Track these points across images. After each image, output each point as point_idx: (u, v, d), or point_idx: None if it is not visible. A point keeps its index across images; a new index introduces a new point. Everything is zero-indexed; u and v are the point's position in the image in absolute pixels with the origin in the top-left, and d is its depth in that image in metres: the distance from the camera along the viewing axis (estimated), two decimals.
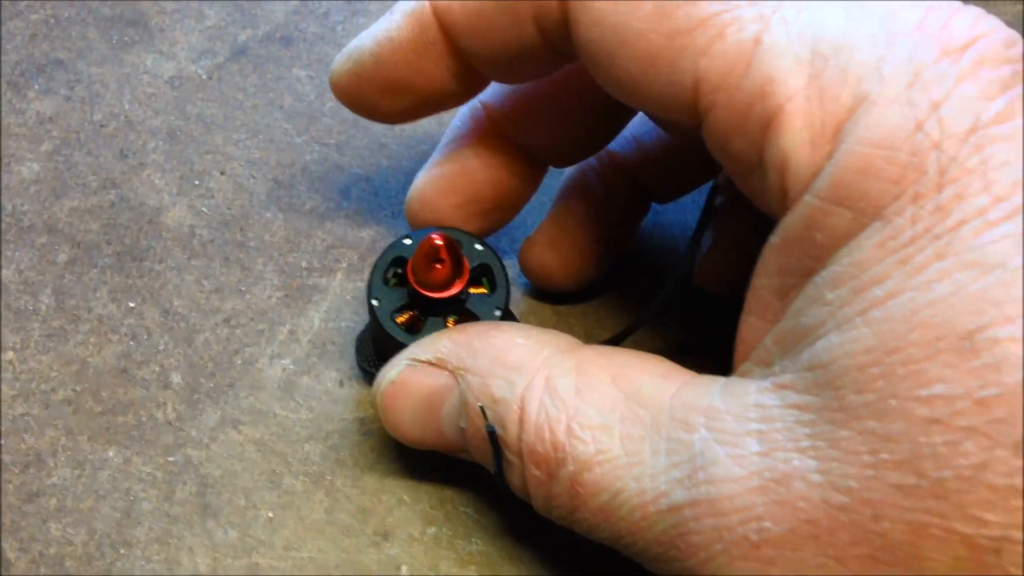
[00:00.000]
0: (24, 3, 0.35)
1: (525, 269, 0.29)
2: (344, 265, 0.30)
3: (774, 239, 0.20)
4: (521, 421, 0.21)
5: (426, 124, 0.33)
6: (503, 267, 0.25)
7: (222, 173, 0.32)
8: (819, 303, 0.18)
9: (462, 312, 0.25)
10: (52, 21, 0.35)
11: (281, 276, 0.29)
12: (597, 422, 0.20)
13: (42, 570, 0.24)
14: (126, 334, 0.28)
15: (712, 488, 0.18)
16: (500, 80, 0.26)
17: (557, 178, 0.29)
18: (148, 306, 0.29)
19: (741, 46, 0.19)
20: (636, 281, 0.30)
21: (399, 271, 0.25)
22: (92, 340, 0.28)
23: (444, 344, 0.23)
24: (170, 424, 0.27)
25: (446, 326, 0.25)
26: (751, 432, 0.19)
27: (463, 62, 0.24)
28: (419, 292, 0.24)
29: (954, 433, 0.16)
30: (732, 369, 0.21)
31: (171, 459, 0.26)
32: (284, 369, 0.28)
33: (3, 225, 0.30)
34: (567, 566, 0.25)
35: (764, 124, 0.19)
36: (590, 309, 0.30)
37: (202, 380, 0.27)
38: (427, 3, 0.23)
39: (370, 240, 0.30)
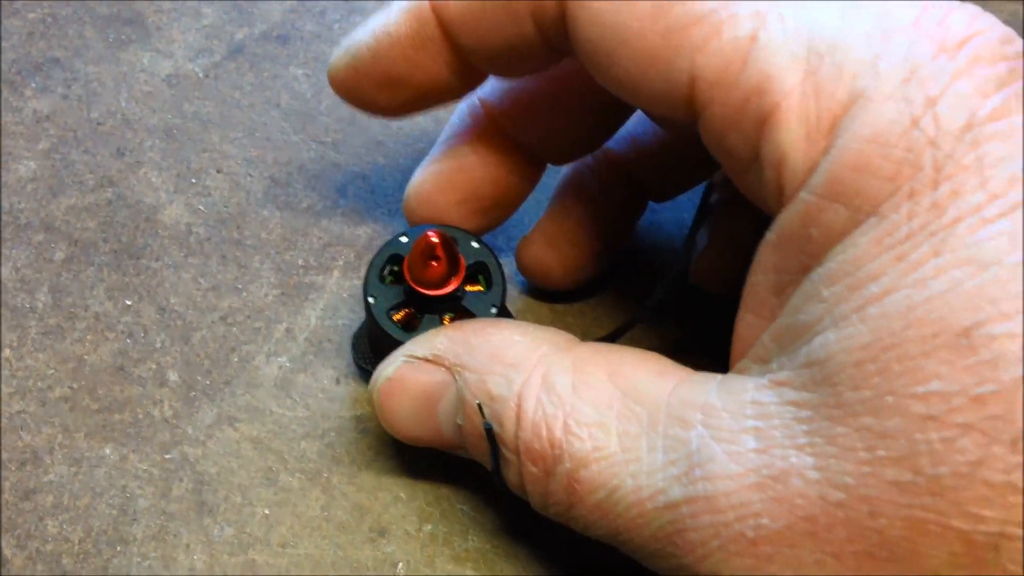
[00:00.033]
0: (21, 2, 0.35)
1: (522, 268, 0.29)
2: (341, 263, 0.30)
3: (770, 236, 0.20)
4: (518, 418, 0.21)
5: (423, 122, 0.33)
6: (499, 265, 0.25)
7: (219, 171, 0.32)
8: (815, 300, 0.18)
9: (458, 309, 0.25)
10: (49, 20, 0.35)
11: (278, 274, 0.30)
12: (594, 419, 0.20)
13: (39, 567, 0.24)
14: (123, 332, 0.28)
15: (709, 485, 0.18)
16: (497, 75, 0.26)
17: (554, 177, 0.29)
18: (145, 304, 0.29)
19: (737, 43, 0.19)
20: (632, 279, 0.30)
21: (395, 269, 0.25)
22: (89, 338, 0.28)
23: (441, 341, 0.23)
24: (167, 421, 0.27)
25: (442, 324, 0.25)
26: (748, 429, 0.18)
27: (460, 57, 0.24)
28: (415, 289, 0.24)
29: (951, 430, 0.16)
30: (729, 366, 0.21)
31: (168, 456, 0.26)
32: (281, 367, 0.28)
33: (0, 223, 0.30)
34: (563, 563, 0.25)
35: (760, 121, 0.19)
36: (587, 307, 0.30)
37: (198, 378, 0.27)
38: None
39: (367, 238, 0.30)
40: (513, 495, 0.23)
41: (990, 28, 0.18)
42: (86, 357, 0.28)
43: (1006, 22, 0.19)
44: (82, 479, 0.26)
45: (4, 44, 0.34)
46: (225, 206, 0.31)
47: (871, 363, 0.17)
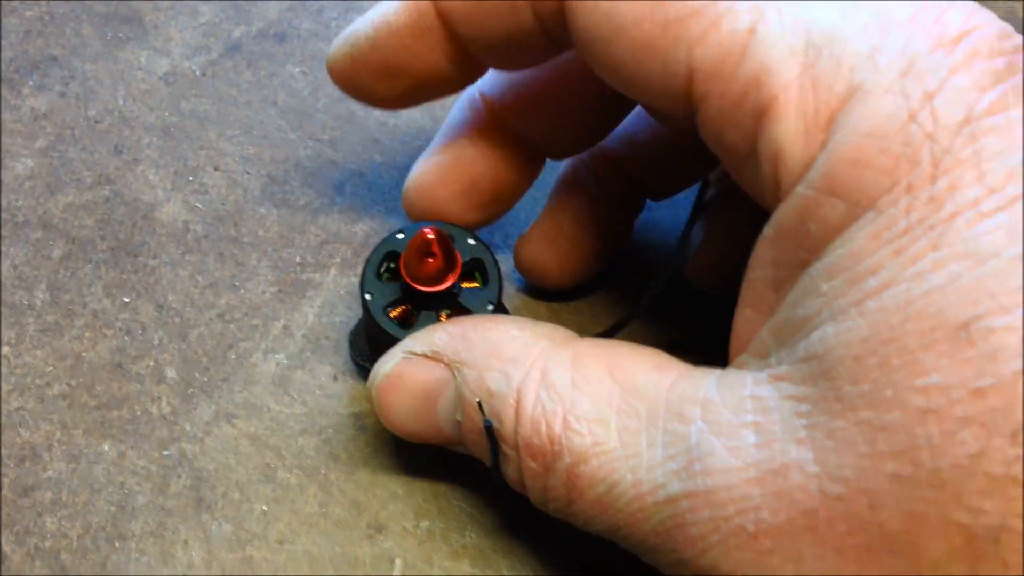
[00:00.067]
0: (19, 0, 0.35)
1: (520, 267, 0.29)
2: (338, 260, 0.30)
3: (768, 231, 0.20)
4: (517, 414, 0.21)
5: (420, 120, 0.33)
6: (496, 261, 0.25)
7: (216, 169, 0.32)
8: (814, 294, 0.18)
9: (455, 306, 0.25)
10: (47, 18, 0.35)
11: (275, 271, 0.30)
12: (593, 415, 0.20)
13: (37, 563, 0.24)
14: (120, 329, 0.28)
15: (709, 480, 0.18)
16: (496, 67, 0.26)
17: (552, 175, 0.29)
18: (142, 301, 0.29)
19: (735, 36, 0.19)
20: (629, 277, 0.30)
21: (392, 265, 0.25)
22: (87, 335, 0.28)
23: (440, 337, 0.23)
24: (164, 418, 0.27)
25: (439, 320, 0.25)
26: (747, 424, 0.18)
27: (460, 48, 0.24)
28: (411, 286, 0.24)
29: (950, 423, 0.16)
30: (728, 362, 0.21)
31: (165, 453, 0.26)
32: (278, 364, 0.28)
33: None
34: (560, 559, 0.25)
35: (758, 114, 0.19)
36: (584, 305, 0.30)
37: (196, 375, 0.27)
38: None
39: (364, 235, 0.31)
40: (512, 492, 0.23)
41: (987, 23, 0.18)
42: (84, 354, 0.28)
43: (1002, 19, 0.19)
44: (80, 475, 0.26)
45: (2, 42, 0.34)
46: (222, 204, 0.31)
47: (870, 357, 0.17)
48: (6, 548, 0.25)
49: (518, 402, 0.21)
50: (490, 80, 0.27)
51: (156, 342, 0.28)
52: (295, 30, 0.35)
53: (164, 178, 0.31)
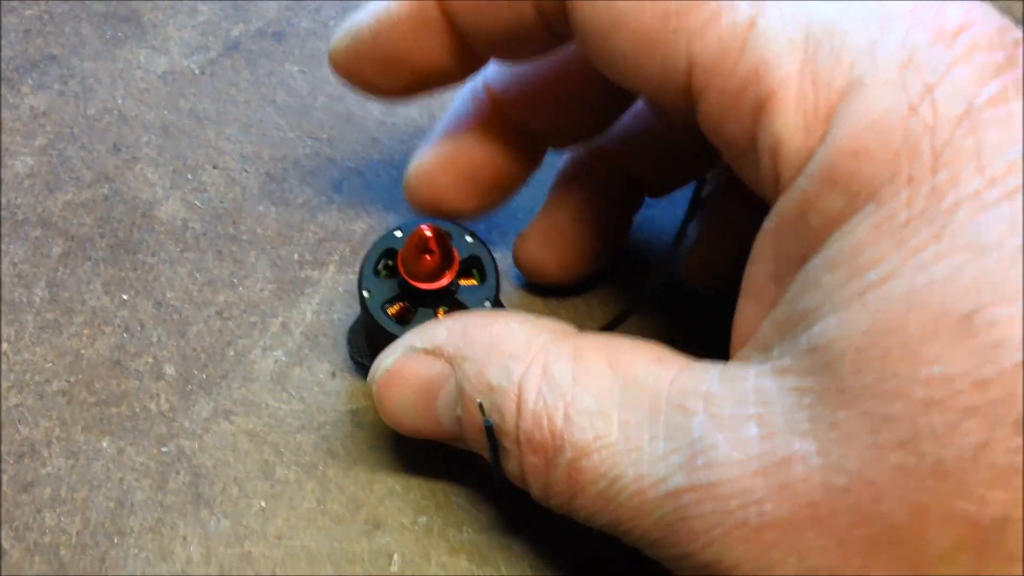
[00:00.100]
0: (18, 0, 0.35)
1: (519, 264, 0.29)
2: (336, 258, 0.30)
3: (768, 224, 0.20)
4: (519, 408, 0.21)
5: (417, 118, 0.33)
6: (493, 259, 0.26)
7: (215, 167, 0.32)
8: (815, 287, 0.18)
9: (452, 303, 0.25)
10: (46, 17, 0.35)
11: (273, 269, 0.30)
12: (595, 408, 0.20)
13: (36, 559, 0.24)
14: (119, 326, 0.28)
15: (711, 473, 0.18)
16: (498, 59, 0.25)
17: (551, 172, 0.29)
18: (141, 298, 0.29)
19: (735, 29, 0.19)
20: (626, 275, 0.30)
21: (390, 263, 0.25)
22: (86, 332, 0.28)
23: (440, 332, 0.23)
24: (163, 415, 0.27)
25: (436, 317, 0.25)
26: (750, 416, 0.18)
27: (461, 40, 0.24)
28: (409, 283, 0.24)
29: (954, 413, 0.16)
30: (729, 356, 0.21)
31: (164, 449, 0.26)
32: (276, 361, 0.28)
33: None
34: (558, 555, 0.25)
35: (757, 107, 0.19)
36: (580, 302, 0.30)
37: (195, 372, 0.28)
38: None
39: (362, 233, 0.31)
40: (512, 491, 0.23)
41: (987, 17, 0.18)
42: (83, 351, 0.28)
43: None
44: (79, 472, 0.26)
45: (2, 41, 0.34)
46: (221, 202, 0.31)
47: (872, 348, 0.17)
48: (5, 544, 0.25)
49: (519, 396, 0.21)
50: (493, 69, 0.26)
51: (155, 339, 0.28)
52: (293, 29, 0.35)
53: (163, 176, 0.31)
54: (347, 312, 0.29)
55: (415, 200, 0.27)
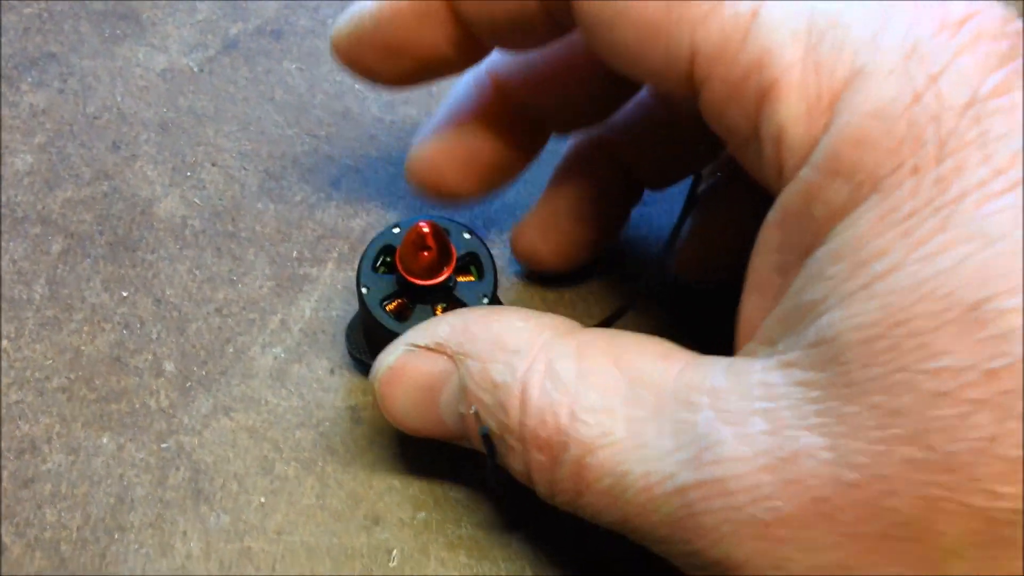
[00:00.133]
0: None
1: (516, 252, 0.29)
2: (335, 255, 0.30)
3: (772, 215, 0.20)
4: (523, 406, 0.21)
5: (416, 116, 0.33)
6: (490, 255, 0.26)
7: (214, 164, 0.32)
8: (820, 279, 0.18)
9: (450, 299, 0.25)
10: (45, 15, 0.35)
11: (272, 266, 0.30)
12: (600, 405, 0.20)
13: (37, 555, 0.25)
14: (119, 323, 0.28)
15: (719, 468, 0.18)
16: (501, 48, 0.25)
17: (550, 168, 0.29)
18: (141, 295, 0.29)
19: (738, 18, 0.19)
20: (622, 272, 0.30)
21: (388, 259, 0.25)
22: (86, 329, 0.28)
23: (442, 329, 0.23)
24: (163, 411, 0.27)
25: (434, 313, 0.25)
26: (757, 411, 0.18)
27: (463, 29, 0.24)
28: (407, 279, 0.24)
29: (963, 405, 0.16)
30: (734, 350, 0.21)
31: (164, 446, 0.26)
32: (275, 358, 0.28)
33: None
34: (555, 549, 0.26)
35: (760, 96, 0.19)
36: (577, 299, 0.30)
37: (194, 368, 0.28)
38: None
39: (360, 230, 0.31)
40: (507, 495, 0.23)
41: (990, 7, 0.18)
42: (83, 348, 0.28)
43: None
44: (80, 468, 0.26)
45: (1, 39, 0.34)
46: (220, 199, 0.31)
47: (880, 340, 0.17)
48: (6, 539, 0.25)
49: (523, 393, 0.21)
50: (496, 54, 0.26)
51: (154, 336, 0.28)
52: (292, 27, 0.35)
53: (162, 174, 0.31)
54: (346, 309, 0.29)
55: (416, 180, 0.27)
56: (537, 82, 0.26)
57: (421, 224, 0.24)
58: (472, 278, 0.26)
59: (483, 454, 0.23)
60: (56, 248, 0.30)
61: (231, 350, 0.28)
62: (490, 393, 0.21)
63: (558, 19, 0.23)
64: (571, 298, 0.30)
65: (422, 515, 0.26)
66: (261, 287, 0.29)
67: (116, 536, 0.25)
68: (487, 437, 0.22)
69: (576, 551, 0.25)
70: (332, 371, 0.28)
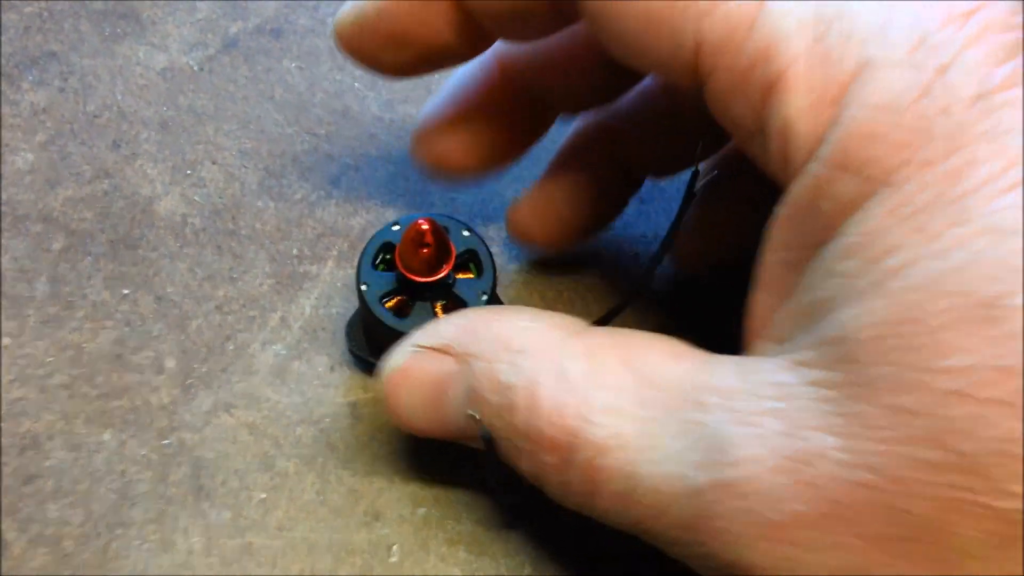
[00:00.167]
0: None
1: (510, 230, 0.29)
2: (334, 253, 0.30)
3: (781, 210, 0.19)
4: (531, 406, 0.20)
5: (415, 114, 0.33)
6: (489, 252, 0.26)
7: (214, 163, 0.32)
8: (831, 275, 0.18)
9: (449, 296, 0.25)
10: (45, 14, 0.35)
11: (272, 264, 0.30)
12: (610, 406, 0.20)
13: (40, 550, 0.25)
14: (120, 320, 0.28)
15: (731, 470, 0.18)
16: (505, 38, 0.25)
17: (550, 152, 0.29)
18: (142, 293, 0.29)
19: (743, 9, 0.19)
20: (622, 271, 0.31)
21: (387, 256, 0.26)
22: (87, 326, 0.28)
23: (448, 329, 0.23)
24: (164, 408, 0.27)
25: (434, 310, 0.25)
26: (769, 411, 0.18)
27: (468, 19, 0.24)
28: (406, 276, 0.24)
29: (978, 404, 0.15)
30: (742, 347, 0.21)
31: (165, 442, 0.27)
32: (276, 355, 0.28)
33: None
34: (555, 545, 0.26)
35: (765, 88, 0.19)
36: (576, 296, 0.30)
37: (195, 365, 0.28)
38: None
39: (360, 228, 0.31)
40: (508, 494, 0.23)
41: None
42: (85, 345, 0.28)
43: None
44: (82, 464, 0.26)
45: (2, 38, 0.34)
46: (220, 197, 0.31)
47: (893, 338, 0.16)
48: (8, 536, 0.25)
49: (532, 394, 0.20)
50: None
51: (155, 333, 0.28)
52: (291, 26, 0.35)
53: (162, 172, 0.32)
54: (346, 306, 0.29)
55: (420, 156, 0.27)
56: (542, 65, 0.26)
57: (420, 221, 0.24)
58: (471, 275, 0.26)
59: (476, 450, 0.23)
60: (57, 246, 0.30)
61: (231, 347, 0.28)
62: (497, 393, 0.21)
63: (562, 10, 0.22)
64: (569, 296, 0.30)
65: (422, 511, 0.26)
66: (261, 284, 0.29)
67: (118, 532, 0.25)
68: (488, 441, 0.21)
69: (576, 548, 0.26)
70: (332, 368, 0.28)
